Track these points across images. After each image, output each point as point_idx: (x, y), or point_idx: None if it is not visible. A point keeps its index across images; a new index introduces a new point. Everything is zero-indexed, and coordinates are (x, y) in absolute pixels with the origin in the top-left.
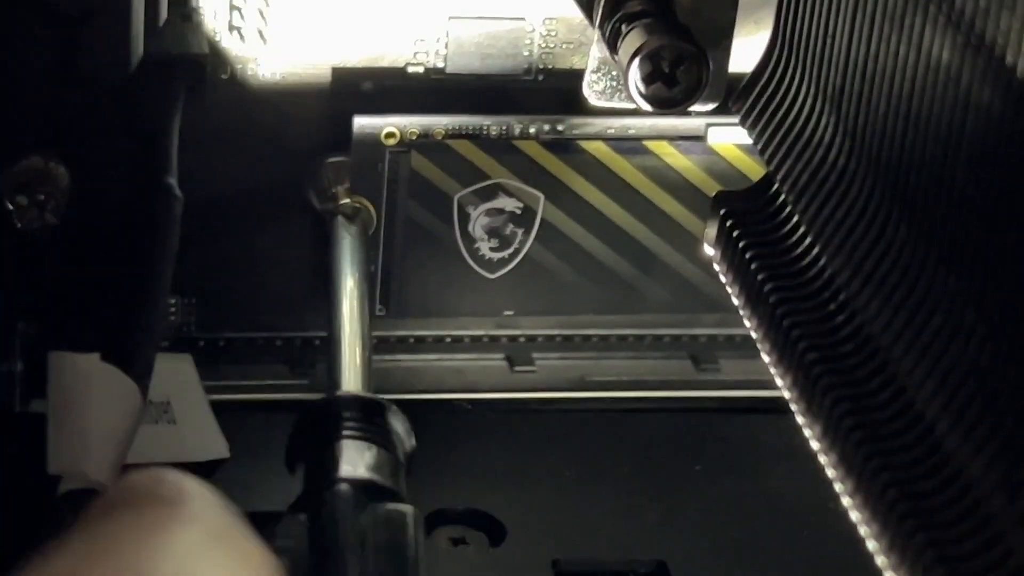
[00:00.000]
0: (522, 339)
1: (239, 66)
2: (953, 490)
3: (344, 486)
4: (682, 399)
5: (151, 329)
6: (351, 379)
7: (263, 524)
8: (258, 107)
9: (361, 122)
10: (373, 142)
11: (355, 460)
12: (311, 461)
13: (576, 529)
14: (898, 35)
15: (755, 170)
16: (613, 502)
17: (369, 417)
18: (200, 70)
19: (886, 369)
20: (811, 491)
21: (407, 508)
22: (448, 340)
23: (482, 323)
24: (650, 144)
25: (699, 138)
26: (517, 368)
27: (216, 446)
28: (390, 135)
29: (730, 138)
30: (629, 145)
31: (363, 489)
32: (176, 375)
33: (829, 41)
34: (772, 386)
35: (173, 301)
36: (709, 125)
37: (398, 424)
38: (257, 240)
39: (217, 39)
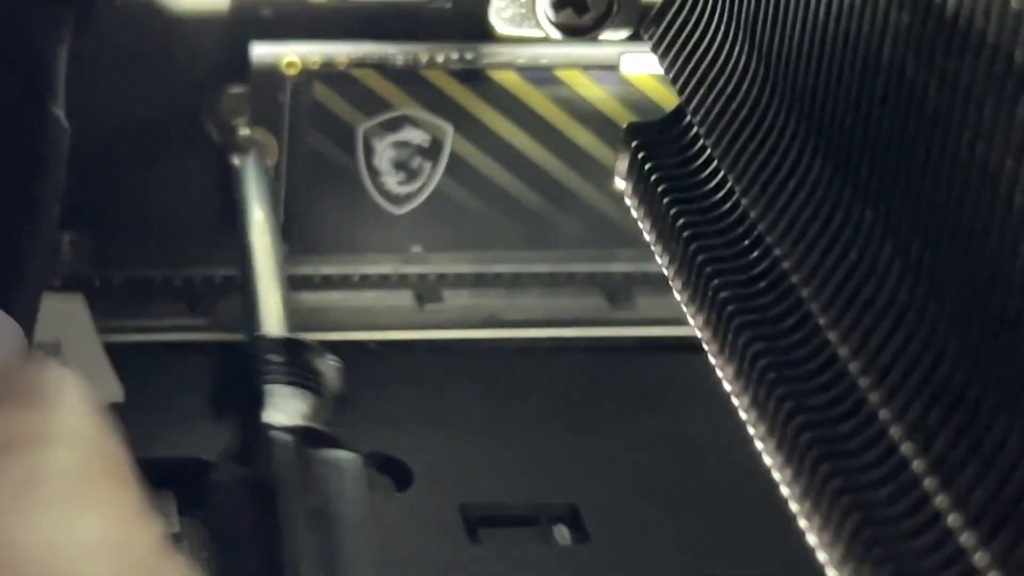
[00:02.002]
0: (431, 276)
1: None
2: (868, 433)
3: (283, 434)
4: (596, 338)
5: (36, 267)
6: (270, 320)
7: (160, 470)
8: (153, 34)
9: (260, 50)
10: (273, 71)
11: (290, 406)
12: (242, 407)
13: (486, 472)
14: None
15: (670, 100)
16: (524, 444)
17: (298, 360)
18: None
19: (801, 307)
20: (728, 431)
21: (351, 455)
22: (355, 278)
23: (390, 260)
24: (562, 74)
25: (613, 67)
26: (426, 306)
27: (109, 389)
28: (291, 64)
29: (645, 67)
30: (541, 75)
31: (302, 436)
32: (66, 315)
33: None
34: (688, 324)
35: (67, 238)
36: (623, 54)
37: (327, 367)
38: (154, 174)
39: None
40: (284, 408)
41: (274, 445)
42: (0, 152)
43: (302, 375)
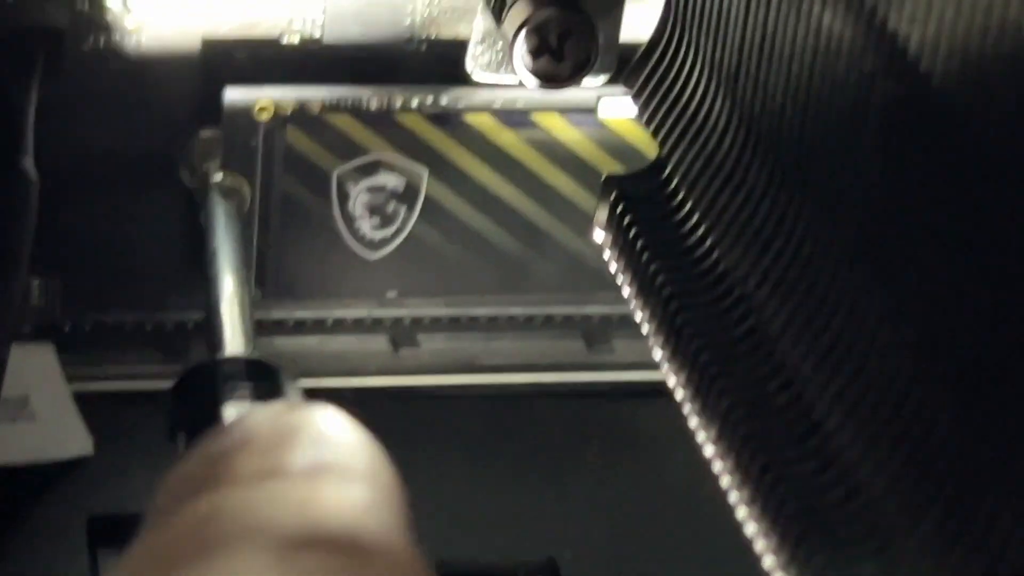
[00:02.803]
0: (407, 320)
1: (103, 36)
2: (853, 506)
3: None
4: (575, 383)
5: (4, 320)
6: (234, 348)
7: (133, 526)
8: (124, 79)
9: (233, 94)
10: (246, 115)
11: None
12: (194, 429)
13: (462, 524)
14: (795, 16)
15: (648, 144)
16: (501, 495)
17: (256, 378)
18: (58, 42)
19: (784, 372)
20: (709, 478)
21: None
22: (329, 322)
23: (364, 304)
24: (539, 117)
25: (590, 110)
26: (401, 351)
27: (79, 442)
28: (263, 108)
29: (623, 111)
30: (517, 118)
31: None
32: (36, 367)
33: (723, 18)
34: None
35: (36, 283)
36: (600, 97)
37: (288, 385)
38: (126, 218)
39: (78, 8)
40: None
41: None
42: None
43: (262, 392)
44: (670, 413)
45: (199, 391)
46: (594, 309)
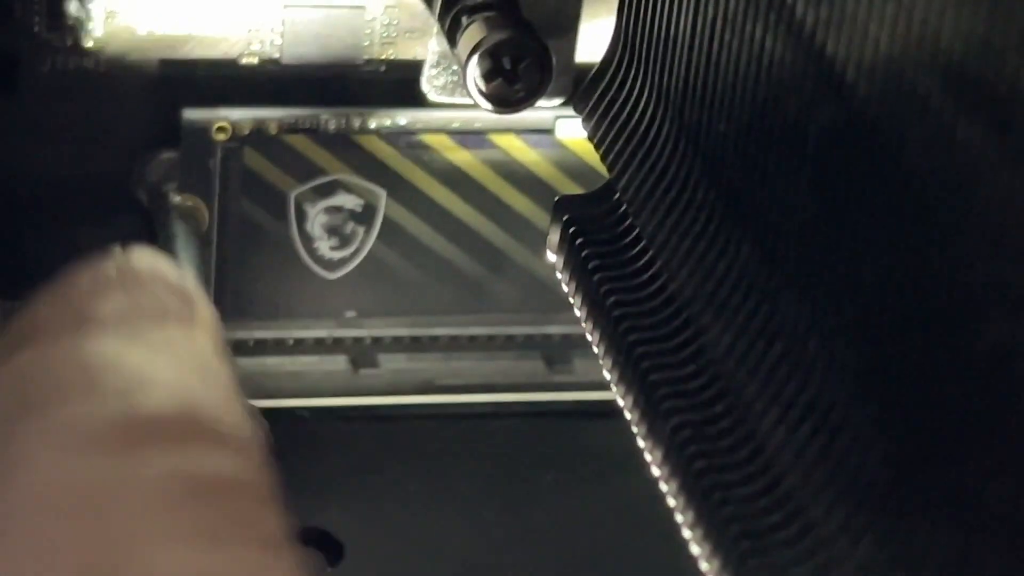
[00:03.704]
0: (367, 340)
1: (60, 58)
2: (794, 528)
3: None
4: (535, 402)
5: None
6: None
7: None
8: (81, 101)
9: (190, 116)
10: (203, 137)
11: None
12: None
13: (421, 547)
14: (738, 42)
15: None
16: (461, 516)
17: None
18: (13, 65)
19: (729, 395)
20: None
21: None
22: (289, 342)
23: (323, 325)
24: (496, 138)
25: (548, 131)
26: (361, 371)
27: None
28: (221, 129)
29: (580, 132)
30: (474, 139)
31: None
32: None
33: (670, 43)
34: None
35: None
36: (558, 118)
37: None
38: (83, 240)
39: (34, 30)
40: None
41: None
42: None
43: None
44: (628, 433)
45: None
46: (554, 329)
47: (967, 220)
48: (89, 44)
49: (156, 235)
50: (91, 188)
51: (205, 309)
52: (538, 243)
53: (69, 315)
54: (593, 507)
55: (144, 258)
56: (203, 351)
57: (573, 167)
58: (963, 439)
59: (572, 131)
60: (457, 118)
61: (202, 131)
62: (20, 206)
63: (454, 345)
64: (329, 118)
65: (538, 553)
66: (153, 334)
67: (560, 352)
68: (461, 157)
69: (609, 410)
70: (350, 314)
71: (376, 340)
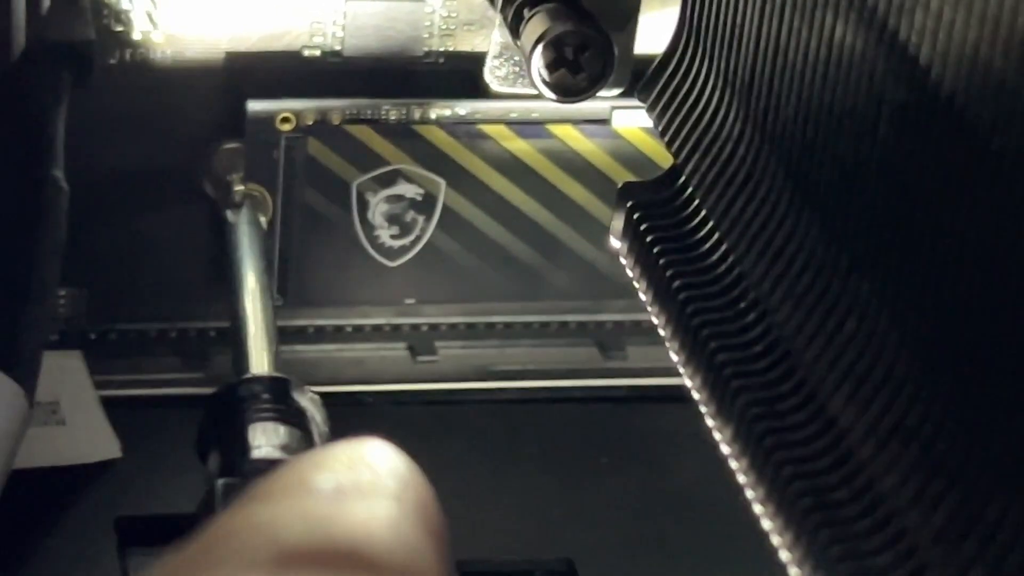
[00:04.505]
0: (424, 328)
1: (128, 51)
2: (867, 501)
3: (260, 465)
4: (589, 388)
5: (37, 329)
6: (259, 366)
7: (160, 526)
8: (149, 93)
9: (255, 107)
10: (268, 127)
11: (269, 440)
12: (222, 447)
13: (480, 527)
14: (808, 29)
15: (661, 154)
16: (518, 498)
17: (280, 397)
18: (87, 57)
19: (797, 373)
20: (721, 482)
21: None
22: (349, 329)
23: (383, 312)
24: (554, 128)
25: (604, 121)
26: (419, 358)
27: (108, 446)
28: (285, 120)
29: (636, 121)
30: (532, 129)
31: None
32: (65, 373)
33: (737, 31)
34: (680, 374)
35: (63, 293)
36: (614, 108)
37: (310, 404)
38: (150, 229)
39: (104, 23)
40: (267, 443)
41: (252, 473)
42: (2, 215)
43: (285, 411)
44: (682, 418)
45: (226, 412)
46: (608, 316)
47: None
48: (157, 38)
49: (221, 224)
50: (158, 178)
51: (425, 493)
52: (594, 231)
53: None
54: (646, 491)
55: (377, 449)
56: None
57: (629, 157)
58: None
59: (628, 121)
60: (515, 108)
61: (266, 122)
62: (89, 196)
63: (509, 332)
64: (390, 108)
65: (592, 536)
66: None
67: (614, 339)
68: (519, 147)
69: (661, 395)
70: (409, 301)
71: (433, 327)
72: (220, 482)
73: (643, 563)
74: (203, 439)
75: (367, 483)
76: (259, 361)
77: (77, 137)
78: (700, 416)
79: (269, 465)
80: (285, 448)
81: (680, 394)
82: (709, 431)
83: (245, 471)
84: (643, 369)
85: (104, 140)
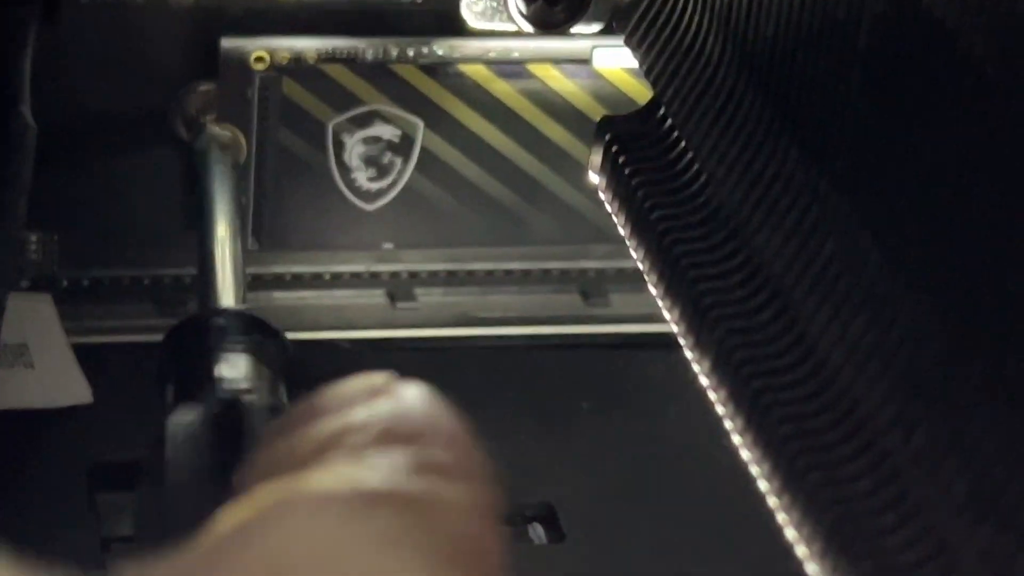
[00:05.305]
0: (404, 274)
1: None
2: (847, 426)
3: (225, 396)
4: (571, 335)
5: (3, 268)
6: (226, 303)
7: (127, 472)
8: (119, 30)
9: (228, 45)
10: (241, 66)
11: (238, 372)
12: (183, 381)
13: None
14: None
15: (643, 94)
16: (499, 443)
17: (248, 332)
18: None
19: (778, 299)
20: (703, 428)
21: None
22: (327, 277)
23: (361, 258)
24: (534, 67)
25: (585, 61)
26: (399, 304)
27: (77, 391)
28: (259, 59)
29: (617, 61)
30: (512, 68)
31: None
32: (34, 316)
33: None
34: (663, 320)
35: (33, 238)
36: (595, 47)
37: (271, 336)
38: (122, 173)
39: None
40: (231, 374)
41: (218, 404)
42: None
43: (253, 346)
44: (665, 365)
45: (190, 344)
46: (591, 263)
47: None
48: None
49: (194, 166)
50: (130, 120)
51: (477, 461)
52: (575, 174)
53: (343, 469)
54: (628, 437)
55: (418, 400)
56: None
57: (610, 97)
58: (1018, 326)
59: (609, 61)
60: (495, 48)
61: (240, 60)
62: (60, 139)
63: (491, 279)
64: (367, 47)
65: (573, 482)
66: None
67: (596, 285)
68: (499, 87)
69: (644, 342)
70: (388, 246)
71: (413, 274)
72: (172, 419)
73: (624, 509)
74: (163, 370)
75: (430, 466)
76: (226, 295)
77: (47, 78)
78: (682, 363)
79: (235, 396)
80: (249, 381)
81: (663, 341)
82: (692, 377)
83: (209, 402)
84: (626, 316)
85: (74, 80)
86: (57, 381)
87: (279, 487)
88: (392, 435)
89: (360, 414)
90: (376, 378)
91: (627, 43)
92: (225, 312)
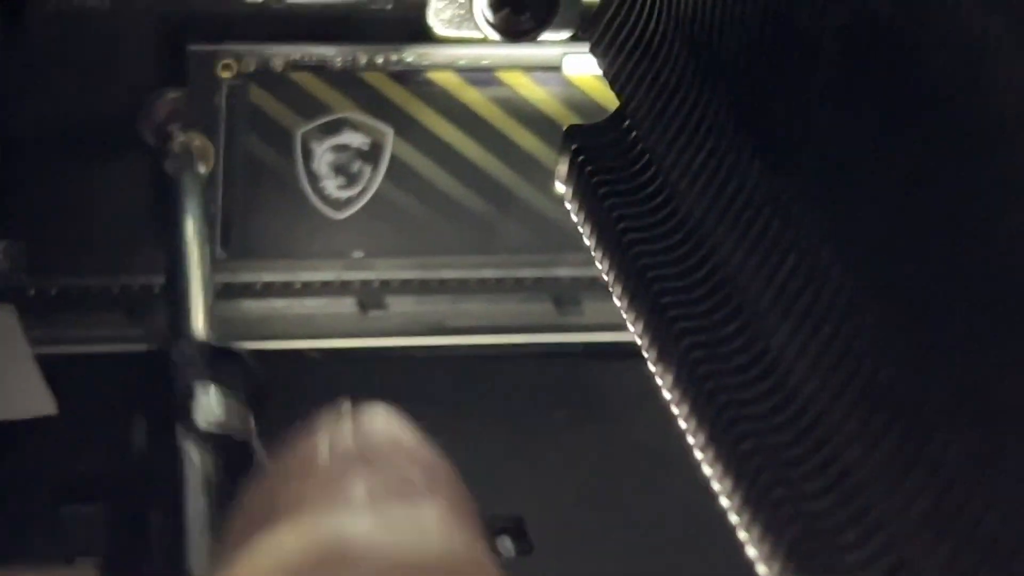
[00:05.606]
0: (375, 283)
1: None
2: (809, 441)
3: (193, 435)
4: (544, 344)
5: None
6: (194, 326)
7: (93, 484)
8: (86, 38)
9: (195, 50)
10: (208, 74)
11: (209, 409)
12: (160, 411)
13: None
14: None
15: (614, 102)
16: (469, 454)
17: (219, 364)
18: (19, 2)
19: (742, 313)
20: (675, 438)
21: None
22: (297, 285)
23: (331, 266)
24: (504, 75)
25: (555, 68)
26: (370, 313)
27: (41, 402)
28: (227, 66)
29: (587, 68)
30: (482, 76)
31: (213, 439)
32: None
33: None
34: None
35: (0, 246)
36: (565, 54)
37: (245, 369)
38: (90, 180)
39: None
40: (202, 410)
41: (187, 446)
42: None
43: (221, 378)
44: (638, 374)
45: (161, 375)
46: (563, 271)
47: (983, 115)
48: None
49: (162, 174)
50: (97, 128)
51: (447, 476)
52: (546, 182)
53: (319, 494)
54: (601, 446)
55: (379, 421)
56: (450, 527)
57: (581, 104)
58: (981, 337)
59: (580, 68)
60: (464, 55)
61: (207, 68)
62: (27, 147)
63: (462, 287)
64: (335, 55)
65: (543, 493)
66: (400, 513)
67: (569, 294)
68: (469, 95)
69: (617, 351)
70: (358, 254)
71: (384, 283)
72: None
73: (595, 520)
74: (135, 401)
75: (400, 485)
76: (198, 323)
77: (13, 85)
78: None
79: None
80: (218, 414)
81: (635, 350)
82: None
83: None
84: (598, 324)
85: (42, 88)
86: (20, 393)
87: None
88: (358, 460)
89: (325, 448)
90: (339, 409)
91: (592, 52)
92: (193, 343)
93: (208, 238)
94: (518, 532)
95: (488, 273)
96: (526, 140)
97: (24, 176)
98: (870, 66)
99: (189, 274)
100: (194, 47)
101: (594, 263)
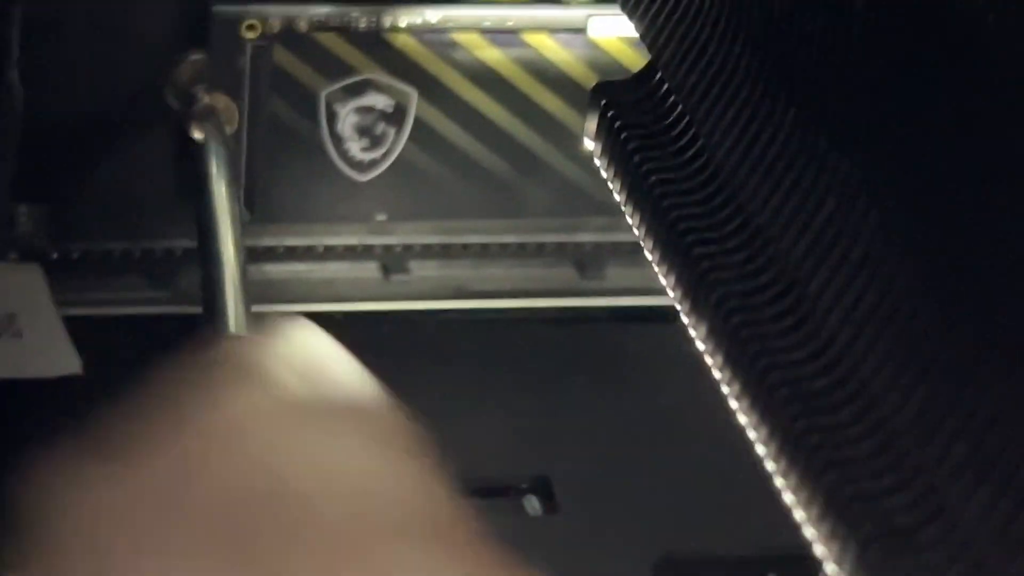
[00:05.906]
0: (397, 247)
1: None
2: (846, 388)
3: None
4: (566, 308)
5: None
6: (228, 290)
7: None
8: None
9: (220, 12)
10: (233, 35)
11: None
12: None
13: (455, 446)
14: None
15: (639, 64)
16: (494, 416)
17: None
18: None
19: (775, 263)
20: (698, 401)
21: None
22: (320, 249)
23: (354, 230)
24: (528, 36)
25: (580, 30)
26: (392, 277)
27: (67, 361)
28: (251, 27)
29: (613, 30)
30: (506, 38)
31: None
32: (22, 286)
33: None
34: (658, 293)
35: (24, 210)
36: (590, 16)
37: None
38: (113, 143)
39: None
40: None
41: None
42: None
43: None
44: (658, 339)
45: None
46: (586, 236)
47: (1020, 69)
48: None
49: (186, 137)
50: (121, 90)
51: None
52: (570, 145)
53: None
54: (622, 409)
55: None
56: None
57: (605, 67)
58: (1015, 285)
59: (605, 29)
60: (489, 16)
61: (232, 28)
62: (52, 110)
63: (485, 252)
64: (360, 15)
65: (568, 454)
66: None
67: (592, 258)
68: (493, 56)
69: (639, 315)
70: (381, 218)
71: (407, 247)
72: None
73: (619, 481)
74: None
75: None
76: (230, 288)
77: (37, 49)
78: (677, 335)
79: None
80: None
81: (658, 314)
82: (687, 350)
83: None
84: (621, 289)
85: (65, 51)
86: (46, 351)
87: None
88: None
89: None
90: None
91: (623, 8)
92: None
93: (235, 200)
94: (544, 491)
95: (511, 238)
96: (550, 103)
97: (47, 140)
98: (907, 12)
99: (219, 238)
100: (219, 7)
101: (617, 228)
